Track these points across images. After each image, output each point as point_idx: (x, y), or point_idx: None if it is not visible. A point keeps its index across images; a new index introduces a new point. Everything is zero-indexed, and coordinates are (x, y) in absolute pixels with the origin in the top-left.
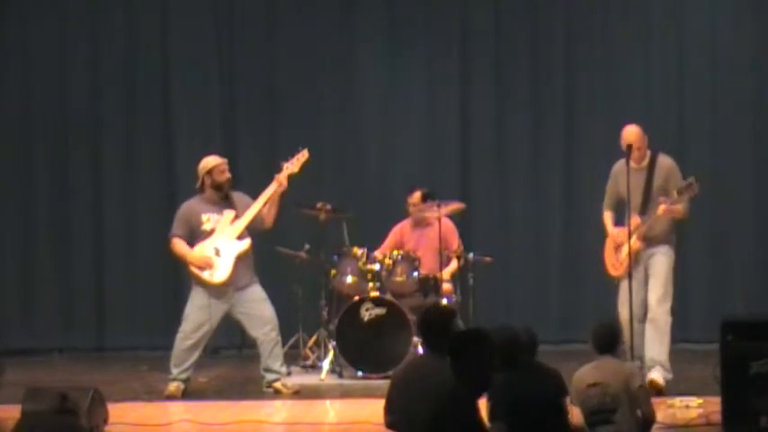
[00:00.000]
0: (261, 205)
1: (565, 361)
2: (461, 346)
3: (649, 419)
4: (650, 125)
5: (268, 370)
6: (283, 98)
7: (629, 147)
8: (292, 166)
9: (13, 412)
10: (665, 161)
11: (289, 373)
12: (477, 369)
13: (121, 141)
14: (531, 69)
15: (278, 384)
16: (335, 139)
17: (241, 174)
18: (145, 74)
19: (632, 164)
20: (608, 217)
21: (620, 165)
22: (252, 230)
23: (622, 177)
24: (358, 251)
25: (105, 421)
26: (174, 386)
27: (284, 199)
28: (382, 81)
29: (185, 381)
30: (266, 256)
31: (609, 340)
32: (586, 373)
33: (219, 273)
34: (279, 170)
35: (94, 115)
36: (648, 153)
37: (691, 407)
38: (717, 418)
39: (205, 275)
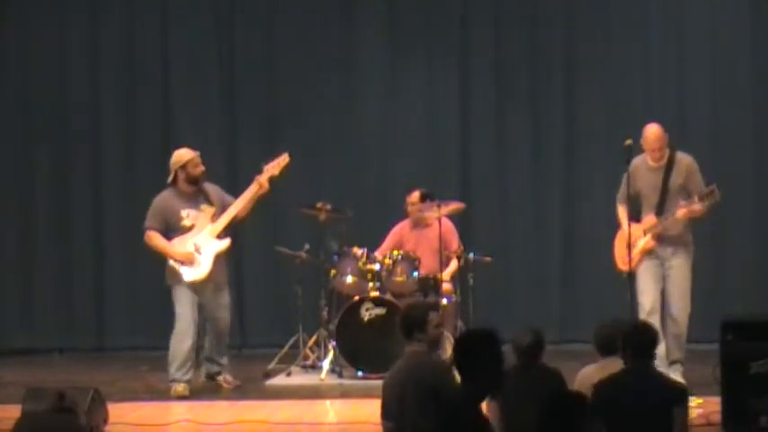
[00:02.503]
0: (243, 204)
1: (565, 361)
2: (470, 346)
3: None
4: None
5: (211, 360)
6: (283, 98)
7: (629, 147)
8: (273, 168)
9: (13, 412)
10: (683, 159)
11: (289, 374)
12: (487, 370)
13: (121, 141)
14: (531, 69)
15: (220, 378)
16: (335, 138)
17: (241, 173)
18: (145, 74)
19: (651, 162)
20: (622, 211)
21: (637, 161)
22: (226, 227)
23: (640, 175)
24: (358, 251)
25: (105, 421)
26: (181, 387)
27: (284, 199)
28: (382, 81)
29: (189, 381)
30: (266, 256)
31: (612, 341)
32: (592, 373)
33: (200, 269)
34: (259, 171)
35: (94, 115)
36: (667, 151)
37: (690, 407)
38: (717, 418)
39: (185, 271)
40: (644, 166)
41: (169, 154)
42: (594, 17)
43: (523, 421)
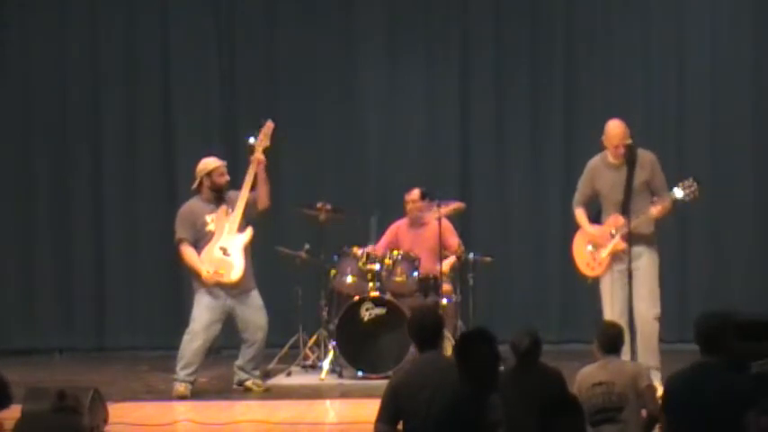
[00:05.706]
0: (248, 190)
1: (565, 361)
2: (468, 347)
3: (655, 418)
4: (650, 125)
5: (242, 369)
6: (283, 98)
7: (629, 147)
8: (262, 142)
9: (13, 412)
10: (646, 155)
11: (289, 374)
12: (484, 368)
13: (121, 142)
14: (531, 70)
15: (249, 383)
16: (336, 139)
17: (241, 174)
18: (145, 74)
19: (612, 160)
20: (581, 214)
21: (595, 161)
22: (251, 217)
23: (599, 174)
24: (358, 251)
25: (105, 421)
26: (182, 387)
27: (285, 199)
28: (382, 81)
29: (192, 382)
30: (266, 256)
31: (617, 340)
32: (592, 373)
33: (234, 271)
34: (251, 151)
35: (94, 115)
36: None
37: None
38: None
39: (224, 280)
40: (602, 165)
41: (169, 154)
42: (595, 17)
43: (524, 422)
